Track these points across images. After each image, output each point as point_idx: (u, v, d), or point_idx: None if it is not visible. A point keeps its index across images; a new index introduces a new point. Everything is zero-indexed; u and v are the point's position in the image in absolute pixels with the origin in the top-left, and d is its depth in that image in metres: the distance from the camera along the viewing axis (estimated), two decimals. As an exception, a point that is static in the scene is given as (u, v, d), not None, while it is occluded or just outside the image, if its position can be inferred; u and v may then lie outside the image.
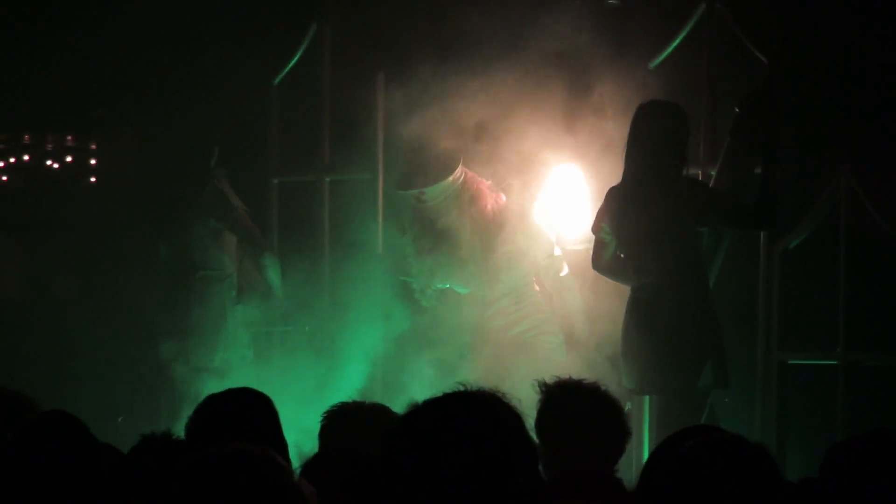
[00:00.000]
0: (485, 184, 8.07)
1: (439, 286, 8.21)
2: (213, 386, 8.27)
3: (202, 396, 8.65)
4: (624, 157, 7.40)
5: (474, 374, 7.63)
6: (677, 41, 8.07)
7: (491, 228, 8.03)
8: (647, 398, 7.77)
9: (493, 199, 8.07)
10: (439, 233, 8.10)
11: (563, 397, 4.64)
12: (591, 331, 7.97)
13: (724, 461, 2.65)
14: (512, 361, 7.89)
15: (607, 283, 7.65)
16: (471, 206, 8.05)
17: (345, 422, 4.69)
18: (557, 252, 8.11)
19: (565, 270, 8.09)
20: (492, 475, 2.94)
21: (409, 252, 8.22)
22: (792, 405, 7.73)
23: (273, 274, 8.72)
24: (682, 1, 8.09)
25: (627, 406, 7.67)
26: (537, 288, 8.13)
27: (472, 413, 3.08)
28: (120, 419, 8.69)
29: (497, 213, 8.06)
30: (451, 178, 7.99)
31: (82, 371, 8.94)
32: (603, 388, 4.67)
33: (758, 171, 7.37)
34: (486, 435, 3.02)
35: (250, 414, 4.30)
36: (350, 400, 4.87)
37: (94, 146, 10.65)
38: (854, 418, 7.27)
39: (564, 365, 7.62)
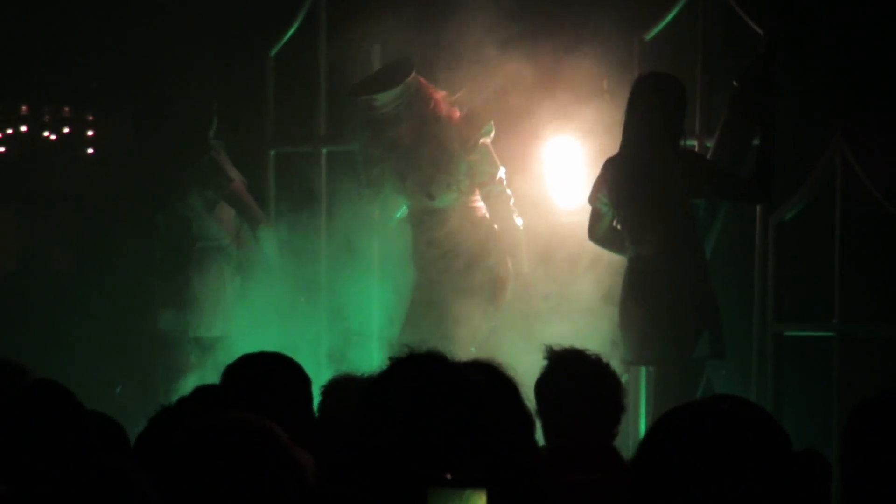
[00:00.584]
0: (440, 93, 8.03)
1: (389, 197, 8.24)
2: (212, 356, 8.40)
3: (200, 367, 8.68)
4: (622, 129, 7.40)
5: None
6: (673, 13, 8.01)
7: (442, 138, 8.00)
8: (643, 369, 7.75)
9: (446, 108, 8.02)
10: (390, 141, 8.07)
11: (565, 366, 4.65)
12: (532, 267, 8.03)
13: (728, 431, 2.53)
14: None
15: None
16: (423, 113, 8.02)
17: (339, 395, 4.70)
18: (503, 177, 8.06)
19: (519, 222, 8.09)
20: (488, 444, 2.95)
21: (359, 161, 8.23)
22: (787, 377, 7.72)
23: (269, 245, 8.69)
24: None
25: (625, 377, 7.69)
26: (483, 211, 8.11)
27: (466, 381, 3.09)
28: (118, 389, 8.71)
29: (450, 122, 8.03)
30: (401, 86, 7.96)
31: (80, 342, 8.88)
32: (605, 360, 4.68)
33: (755, 143, 7.37)
34: (481, 403, 3.03)
35: (280, 380, 4.38)
36: (343, 373, 4.90)
37: (91, 117, 10.66)
38: (849, 390, 7.26)
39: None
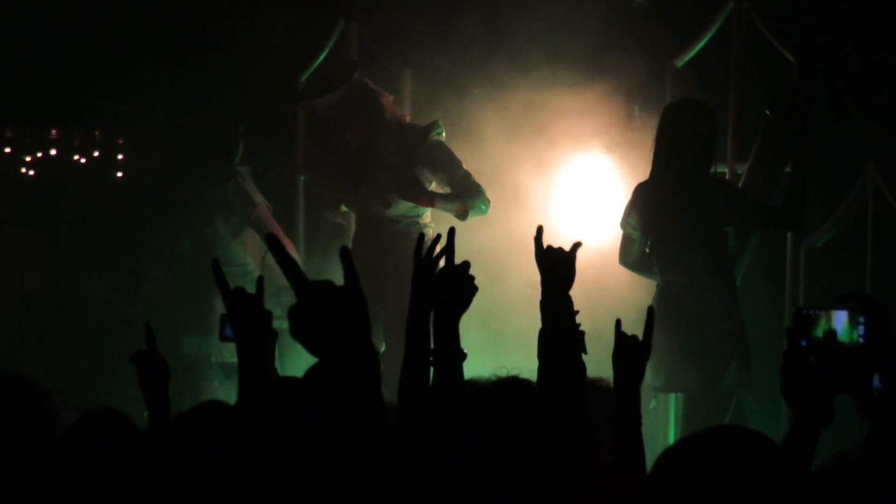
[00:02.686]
0: (387, 97, 7.88)
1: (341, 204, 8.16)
2: (233, 381, 8.31)
3: (225, 392, 8.54)
4: (652, 155, 7.34)
5: None
6: (705, 40, 8.05)
7: (394, 142, 7.84)
8: (672, 396, 7.71)
9: (393, 112, 7.87)
10: (336, 147, 7.90)
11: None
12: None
13: (731, 463, 2.65)
14: None
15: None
16: (369, 117, 7.84)
17: None
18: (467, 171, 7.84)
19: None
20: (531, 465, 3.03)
21: (310, 168, 8.18)
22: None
23: None
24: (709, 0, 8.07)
25: (652, 404, 7.63)
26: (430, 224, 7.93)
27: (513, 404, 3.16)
28: (146, 413, 8.60)
29: (399, 127, 7.88)
30: (343, 88, 7.81)
31: (107, 365, 8.82)
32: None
33: (787, 170, 7.32)
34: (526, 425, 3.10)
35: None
36: None
37: (121, 141, 10.68)
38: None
39: None
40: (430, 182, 7.84)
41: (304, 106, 8.06)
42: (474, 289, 4.11)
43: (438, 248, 4.15)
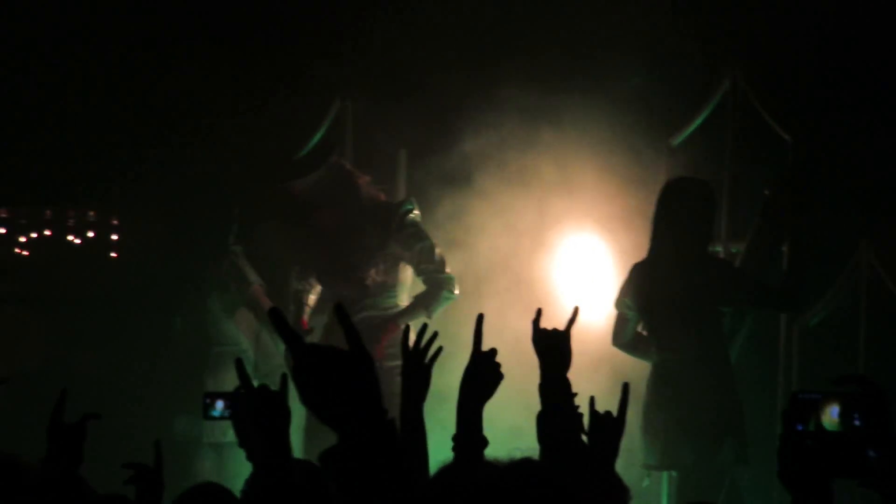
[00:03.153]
0: (363, 178, 8.00)
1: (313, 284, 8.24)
2: (229, 461, 8.31)
3: (216, 473, 8.49)
4: (650, 234, 7.38)
5: None
6: (701, 118, 8.15)
7: (368, 223, 7.92)
8: (665, 474, 7.72)
9: (368, 191, 7.98)
10: (313, 228, 8.00)
11: None
12: None
13: None
14: None
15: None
16: (344, 198, 7.94)
17: None
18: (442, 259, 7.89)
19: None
20: None
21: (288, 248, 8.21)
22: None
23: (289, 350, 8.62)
24: (704, 79, 8.16)
25: (645, 482, 7.61)
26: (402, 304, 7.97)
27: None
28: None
29: (374, 206, 7.96)
30: (322, 170, 7.98)
31: (96, 444, 8.79)
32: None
33: (783, 249, 7.40)
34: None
35: None
36: None
37: (115, 221, 10.75)
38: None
39: None
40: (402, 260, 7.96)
41: (283, 191, 8.15)
42: (500, 376, 4.07)
43: (425, 339, 4.11)
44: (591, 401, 4.00)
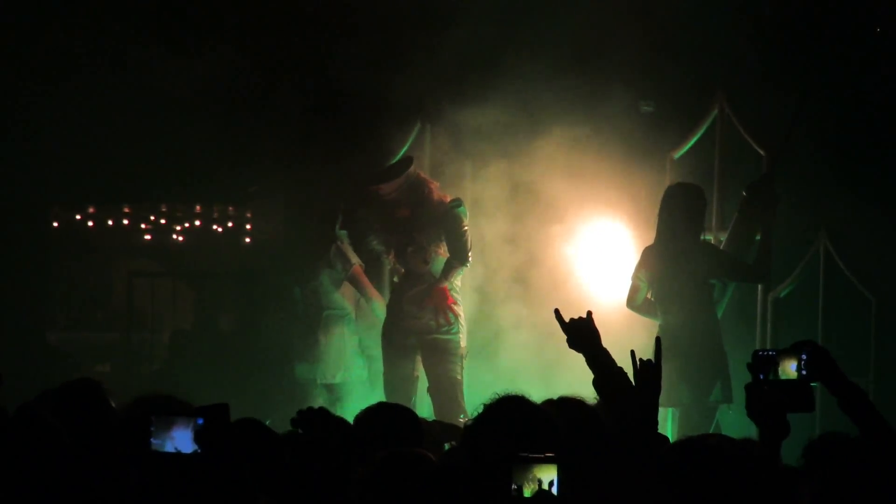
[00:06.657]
0: (434, 183, 8.32)
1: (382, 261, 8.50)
2: (336, 398, 8.63)
3: (327, 406, 9.10)
4: (657, 225, 7.65)
5: None
6: (696, 138, 8.27)
7: (435, 218, 8.23)
8: (669, 411, 7.78)
9: (438, 194, 8.29)
10: (394, 220, 8.27)
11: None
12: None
13: (729, 455, 3.00)
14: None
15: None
16: (420, 198, 8.24)
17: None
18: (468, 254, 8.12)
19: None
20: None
21: (368, 236, 8.47)
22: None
23: (380, 315, 8.81)
24: (699, 108, 8.26)
25: None
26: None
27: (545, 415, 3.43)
28: (268, 421, 9.15)
29: (441, 205, 8.27)
30: (403, 176, 8.22)
31: (241, 387, 8.95)
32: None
33: (757, 238, 7.65)
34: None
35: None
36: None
37: (249, 214, 10.98)
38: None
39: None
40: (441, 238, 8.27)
41: (372, 191, 8.34)
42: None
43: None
44: (633, 354, 3.83)
